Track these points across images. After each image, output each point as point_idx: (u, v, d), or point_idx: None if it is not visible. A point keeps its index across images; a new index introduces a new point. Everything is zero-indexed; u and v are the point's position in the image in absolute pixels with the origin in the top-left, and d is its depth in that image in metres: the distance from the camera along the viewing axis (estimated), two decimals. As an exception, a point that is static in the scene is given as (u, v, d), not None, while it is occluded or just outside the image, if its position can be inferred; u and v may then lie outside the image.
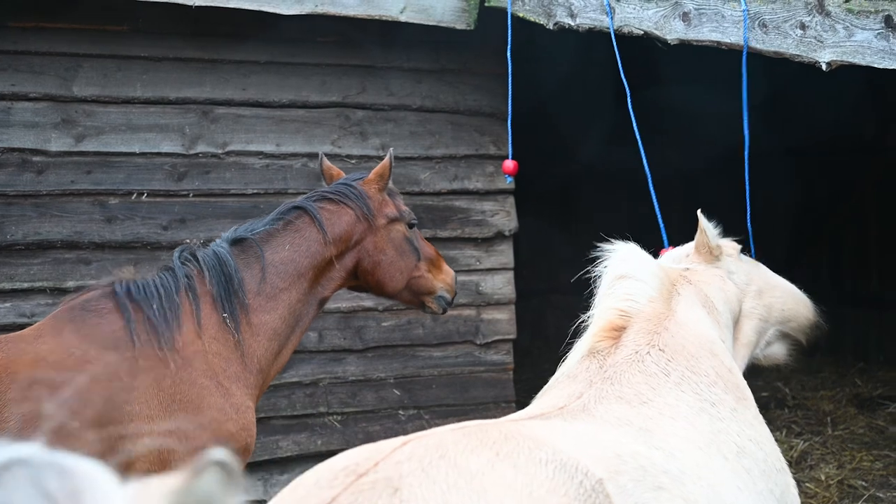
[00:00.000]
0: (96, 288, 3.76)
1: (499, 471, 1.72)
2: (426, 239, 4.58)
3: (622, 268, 2.73)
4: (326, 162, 4.55)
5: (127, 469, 3.46)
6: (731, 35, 3.47)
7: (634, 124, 4.29)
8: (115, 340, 3.54)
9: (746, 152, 3.51)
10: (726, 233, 3.34)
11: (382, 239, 4.20)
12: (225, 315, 3.75)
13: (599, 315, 2.65)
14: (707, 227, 3.10)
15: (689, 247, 3.25)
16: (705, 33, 3.64)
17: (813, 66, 3.41)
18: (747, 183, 3.59)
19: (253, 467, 5.87)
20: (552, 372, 3.01)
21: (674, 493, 1.94)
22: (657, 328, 2.55)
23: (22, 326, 5.23)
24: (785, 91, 8.96)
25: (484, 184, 6.54)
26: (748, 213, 3.76)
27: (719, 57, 7.10)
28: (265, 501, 6.00)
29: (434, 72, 6.39)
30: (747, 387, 2.61)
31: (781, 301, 3.23)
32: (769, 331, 3.23)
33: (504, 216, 6.58)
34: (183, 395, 3.57)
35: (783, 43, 3.21)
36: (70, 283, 5.43)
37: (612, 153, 9.19)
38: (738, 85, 9.29)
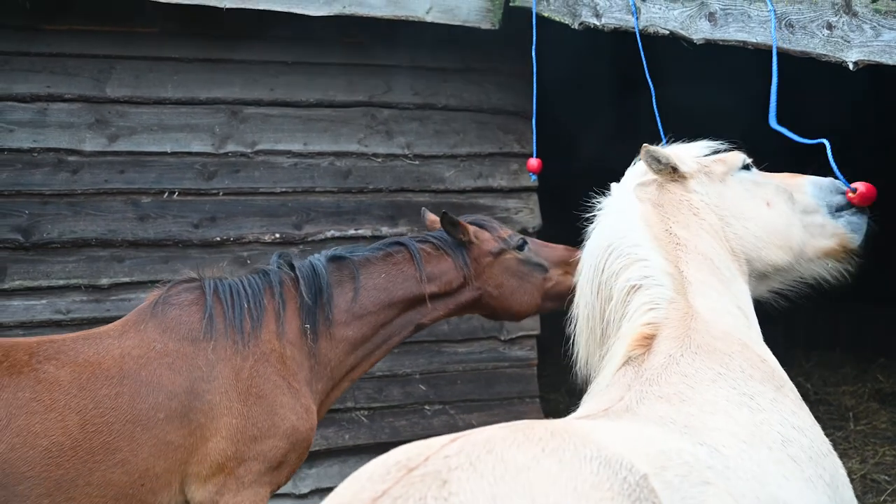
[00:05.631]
0: (179, 282, 3.92)
1: (544, 466, 1.75)
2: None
3: (632, 275, 2.71)
4: (431, 216, 4.62)
5: (199, 461, 3.58)
6: (757, 35, 3.53)
7: (659, 123, 4.32)
8: (193, 332, 3.69)
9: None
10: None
11: (496, 274, 4.27)
12: (307, 325, 3.90)
13: (627, 332, 2.65)
14: (653, 157, 2.88)
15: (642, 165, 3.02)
16: (731, 33, 3.69)
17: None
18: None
19: (282, 461, 5.97)
20: (571, 368, 3.03)
21: (720, 487, 1.97)
22: (686, 332, 2.56)
23: (58, 323, 5.37)
24: (789, 89, 8.96)
25: (508, 181, 6.61)
26: None
27: (718, 57, 7.13)
28: (293, 495, 6.12)
29: (458, 71, 6.47)
30: (784, 373, 2.60)
31: (751, 232, 2.93)
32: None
33: (528, 213, 6.65)
34: (259, 388, 3.69)
35: (810, 43, 3.26)
36: (104, 281, 5.55)
37: (615, 150, 9.22)
38: (734, 84, 9.26)
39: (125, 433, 3.44)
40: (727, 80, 9.40)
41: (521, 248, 4.32)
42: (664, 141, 3.04)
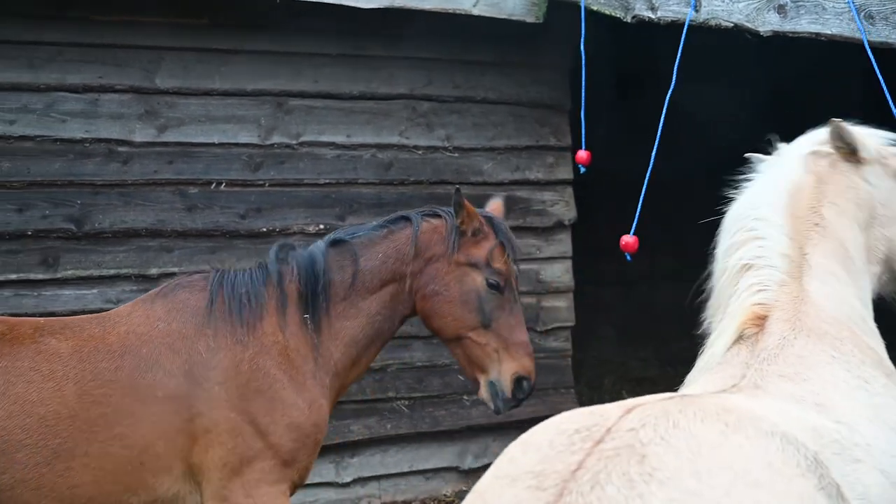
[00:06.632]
0: (193, 272, 3.97)
1: (734, 441, 1.76)
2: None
3: (745, 253, 2.72)
4: (496, 203, 4.43)
5: (200, 452, 3.56)
6: (831, 27, 3.61)
7: (662, 120, 4.33)
8: (197, 316, 3.68)
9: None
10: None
11: (451, 274, 3.96)
12: (306, 316, 3.81)
13: (738, 311, 2.65)
14: (838, 133, 2.82)
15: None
16: (803, 25, 3.76)
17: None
18: None
19: (325, 450, 6.00)
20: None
21: (869, 464, 2.01)
22: (797, 315, 2.56)
23: (108, 312, 5.40)
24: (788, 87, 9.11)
25: (544, 174, 6.68)
26: None
27: (723, 56, 7.20)
28: (336, 484, 6.17)
29: (497, 64, 6.53)
30: (891, 364, 2.60)
31: None
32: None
33: (563, 206, 6.72)
34: (258, 383, 3.63)
35: (892, 34, 3.34)
36: (153, 271, 5.58)
37: (621, 150, 9.33)
38: (740, 85, 9.25)
39: (123, 407, 3.44)
40: (728, 78, 9.49)
41: (493, 287, 3.95)
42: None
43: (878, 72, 3.23)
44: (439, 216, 4.07)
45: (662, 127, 4.27)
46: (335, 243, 3.98)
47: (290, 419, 3.65)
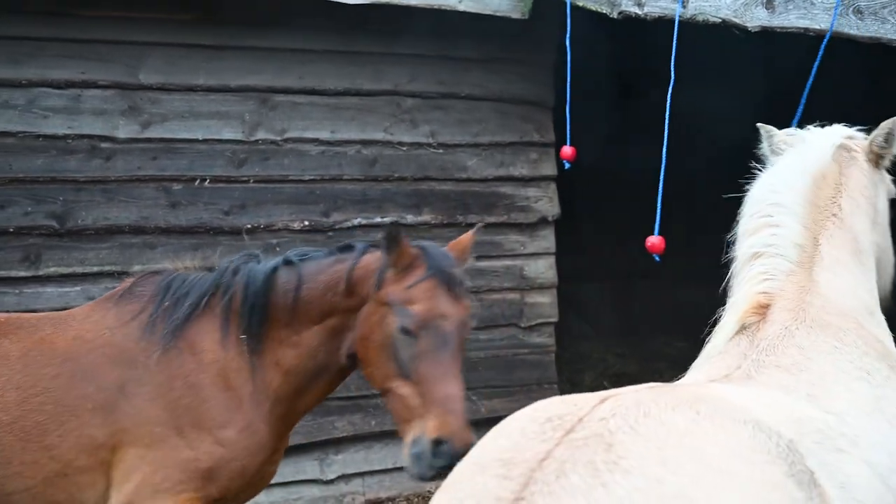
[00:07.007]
0: (150, 274, 3.82)
1: (704, 429, 1.76)
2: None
3: (756, 240, 2.72)
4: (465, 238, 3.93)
5: (117, 463, 3.47)
6: (821, 21, 3.63)
7: (667, 118, 4.34)
8: (140, 330, 3.57)
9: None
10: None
11: (375, 315, 3.53)
12: (243, 336, 3.63)
13: (742, 299, 2.66)
14: (890, 133, 2.87)
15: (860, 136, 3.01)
16: (792, 20, 3.79)
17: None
18: None
19: (309, 447, 6.02)
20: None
21: (853, 455, 2.02)
22: (801, 304, 2.56)
23: (92, 309, 5.34)
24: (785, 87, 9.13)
25: (528, 170, 6.69)
26: None
27: (718, 54, 7.23)
28: (320, 481, 6.15)
29: (481, 61, 6.53)
30: None
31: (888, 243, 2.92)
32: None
33: (547, 202, 6.74)
34: (189, 400, 3.51)
35: (881, 29, 3.38)
36: (136, 268, 5.51)
37: (617, 149, 9.36)
38: (737, 84, 9.30)
39: (56, 416, 3.36)
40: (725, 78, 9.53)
41: (405, 332, 3.39)
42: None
43: (818, 60, 3.25)
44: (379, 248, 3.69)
45: (663, 126, 4.26)
46: (287, 263, 3.74)
47: (215, 437, 3.50)
